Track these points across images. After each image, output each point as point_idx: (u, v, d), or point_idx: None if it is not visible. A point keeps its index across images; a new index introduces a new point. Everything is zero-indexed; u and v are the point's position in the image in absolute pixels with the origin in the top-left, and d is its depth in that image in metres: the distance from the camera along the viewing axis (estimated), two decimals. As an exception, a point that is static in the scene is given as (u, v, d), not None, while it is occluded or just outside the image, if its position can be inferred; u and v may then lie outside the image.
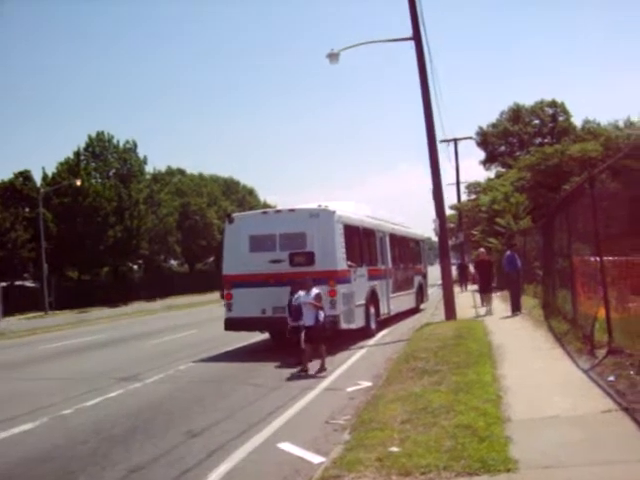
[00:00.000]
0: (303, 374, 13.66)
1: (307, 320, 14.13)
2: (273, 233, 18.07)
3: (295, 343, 14.93)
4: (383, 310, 21.56)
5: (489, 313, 21.56)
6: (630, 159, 10.19)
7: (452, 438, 6.98)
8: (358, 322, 18.54)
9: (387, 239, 23.34)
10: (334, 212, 17.88)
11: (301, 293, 14.98)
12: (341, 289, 17.41)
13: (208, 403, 11.55)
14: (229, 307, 18.21)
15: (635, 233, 10.09)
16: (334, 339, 16.95)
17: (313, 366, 14.04)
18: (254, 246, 18.24)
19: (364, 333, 18.99)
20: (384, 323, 21.61)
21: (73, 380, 15.31)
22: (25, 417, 11.11)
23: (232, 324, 18.03)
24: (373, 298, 20.29)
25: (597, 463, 5.99)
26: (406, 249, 27.41)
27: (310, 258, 17.40)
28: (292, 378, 13.41)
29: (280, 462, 7.73)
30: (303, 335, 14.22)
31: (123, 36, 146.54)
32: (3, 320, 43.80)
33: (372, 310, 19.99)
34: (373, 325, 19.96)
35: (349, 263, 18.17)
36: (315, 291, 14.33)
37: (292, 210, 18.56)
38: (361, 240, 20.26)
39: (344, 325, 17.55)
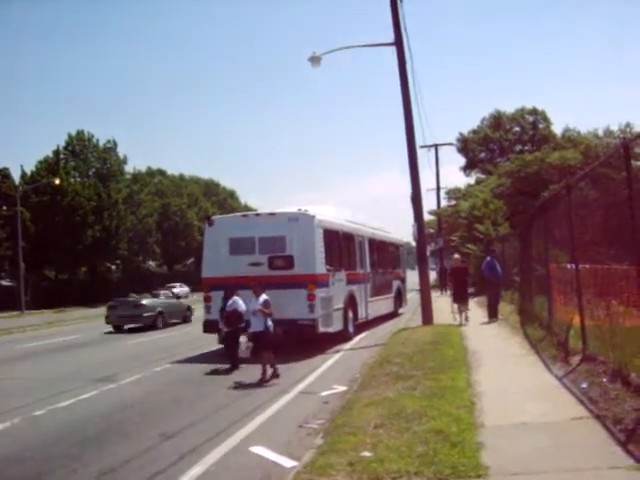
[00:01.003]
0: (264, 384, 13.16)
1: (256, 326, 13.74)
2: (253, 236, 18.12)
3: (230, 349, 15.15)
4: (361, 314, 21.63)
5: (465, 322, 20.50)
6: (608, 167, 10.26)
7: (424, 443, 6.98)
8: (336, 326, 18.59)
9: (366, 243, 23.48)
10: (314, 216, 17.99)
11: (236, 298, 15.24)
12: (319, 293, 17.49)
13: (183, 405, 11.51)
14: (208, 309, 18.25)
15: (612, 241, 10.17)
16: (311, 343, 17.29)
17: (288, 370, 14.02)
18: (234, 249, 18.31)
19: (342, 337, 19.01)
20: (362, 327, 21.65)
21: (47, 380, 15.18)
22: (-3, 417, 10.99)
23: (211, 326, 17.72)
24: (351, 302, 20.39)
25: (567, 470, 6.03)
26: (385, 254, 27.64)
27: (289, 262, 17.53)
28: (250, 386, 13.09)
29: (252, 466, 7.71)
30: (242, 342, 14.41)
31: (103, 32, 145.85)
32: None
33: (350, 314, 20.08)
34: (351, 329, 20.04)
35: (328, 267, 18.29)
36: (264, 297, 13.85)
37: (272, 214, 18.63)
38: (340, 244, 20.38)
39: (322, 329, 17.59)
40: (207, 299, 18.38)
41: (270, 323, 13.71)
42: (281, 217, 18.22)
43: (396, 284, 28.64)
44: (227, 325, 15.29)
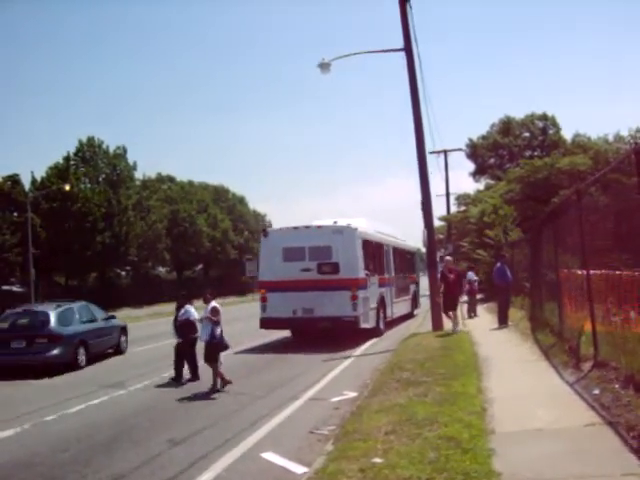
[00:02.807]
0: (213, 392, 12.99)
1: (203, 335, 13.48)
2: (303, 246, 20.86)
3: (178, 360, 14.90)
4: (388, 313, 24.39)
5: (454, 331, 19.22)
6: (619, 173, 10.22)
7: (436, 450, 6.95)
8: (372, 323, 21.40)
9: (391, 251, 26.41)
10: (356, 229, 21.01)
11: (188, 307, 15.03)
12: (360, 294, 20.24)
13: (192, 411, 11.51)
14: (264, 308, 21.06)
15: (623, 247, 10.12)
16: (348, 337, 20.21)
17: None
18: (287, 257, 20.95)
19: (375, 332, 21.57)
20: (388, 325, 23.88)
21: (57, 386, 15.21)
22: (7, 423, 11.03)
23: (266, 323, 21.07)
24: (382, 303, 23.28)
25: (580, 476, 5.99)
26: (404, 260, 30.26)
27: (335, 267, 20.36)
28: (200, 396, 12.93)
29: (263, 472, 7.70)
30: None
31: (113, 41, 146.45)
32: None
33: (381, 313, 22.89)
34: (382, 326, 22.72)
35: (366, 272, 21.10)
36: (212, 304, 13.55)
37: (319, 227, 21.54)
38: (374, 252, 23.27)
39: (363, 325, 20.43)
40: (263, 300, 21.09)
41: (218, 332, 13.37)
42: (327, 229, 21.06)
43: (412, 288, 31.40)
44: (179, 335, 15.07)
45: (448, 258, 22.63)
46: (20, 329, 17.94)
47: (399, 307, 26.96)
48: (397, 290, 26.66)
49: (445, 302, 20.06)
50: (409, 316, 29.03)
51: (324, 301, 19.84)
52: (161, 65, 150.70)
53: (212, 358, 13.28)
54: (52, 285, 60.73)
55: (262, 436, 9.33)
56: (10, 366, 16.99)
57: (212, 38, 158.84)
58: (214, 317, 13.34)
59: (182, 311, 15.15)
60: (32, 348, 17.08)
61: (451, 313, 19.87)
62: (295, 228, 21.79)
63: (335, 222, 21.58)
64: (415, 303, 31.57)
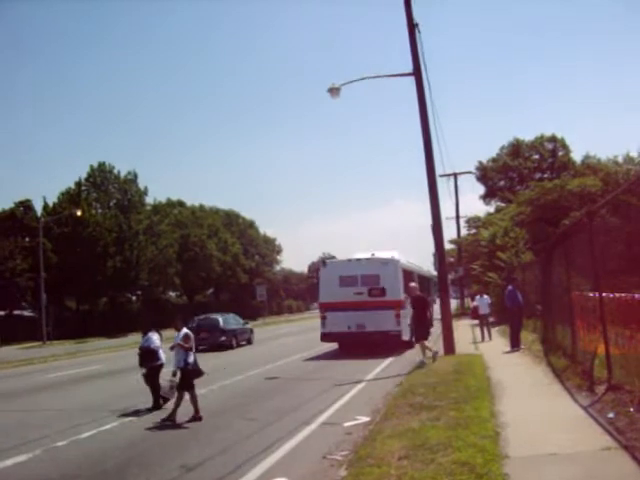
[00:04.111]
0: (169, 423, 12.64)
1: (177, 363, 13.23)
2: (356, 274, 25.71)
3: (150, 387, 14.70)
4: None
5: (421, 365, 18.09)
6: (629, 194, 10.20)
7: (450, 475, 6.91)
8: (407, 336, 25.35)
9: (416, 277, 30.59)
10: (399, 261, 26.31)
11: (150, 335, 14.95)
12: (402, 313, 24.77)
13: (203, 436, 11.43)
14: (324, 325, 26.07)
15: (635, 268, 10.07)
16: (394, 347, 24.68)
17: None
18: (343, 283, 25.75)
19: (409, 344, 25.12)
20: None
21: (68, 411, 15.18)
22: (18, 449, 11.00)
23: (326, 337, 26.18)
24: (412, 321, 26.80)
25: (596, 502, 5.92)
26: (423, 284, 33.64)
27: (383, 291, 25.22)
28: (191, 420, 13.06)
29: (275, 498, 7.64)
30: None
31: (122, 66, 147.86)
32: (1, 349, 43.54)
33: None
34: (413, 339, 24.86)
35: (404, 295, 24.67)
36: (184, 331, 13.39)
37: (369, 259, 26.19)
38: (406, 279, 26.61)
39: (403, 337, 25.03)
40: (323, 318, 26.14)
41: (191, 358, 13.17)
42: (376, 261, 25.90)
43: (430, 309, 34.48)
44: (141, 364, 14.95)
45: (413, 285, 21.88)
46: (204, 326, 32.01)
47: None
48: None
49: (418, 331, 20.23)
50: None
51: (373, 318, 24.66)
52: (171, 94, 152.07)
53: (187, 385, 13.10)
54: (63, 309, 60.87)
55: (275, 461, 9.26)
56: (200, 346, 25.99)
57: (221, 65, 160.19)
58: (186, 344, 13.16)
59: (145, 338, 15.00)
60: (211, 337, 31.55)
61: (422, 342, 19.33)
62: (349, 260, 27.01)
63: (373, 254, 26.56)
64: (431, 322, 33.46)
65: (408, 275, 28.08)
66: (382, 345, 24.72)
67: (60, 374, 24.56)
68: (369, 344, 25.02)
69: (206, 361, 17.63)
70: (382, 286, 25.22)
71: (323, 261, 28.85)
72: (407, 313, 24.79)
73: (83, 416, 13.99)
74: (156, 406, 14.37)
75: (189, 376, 13.10)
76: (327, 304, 26.06)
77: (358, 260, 26.52)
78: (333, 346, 27.35)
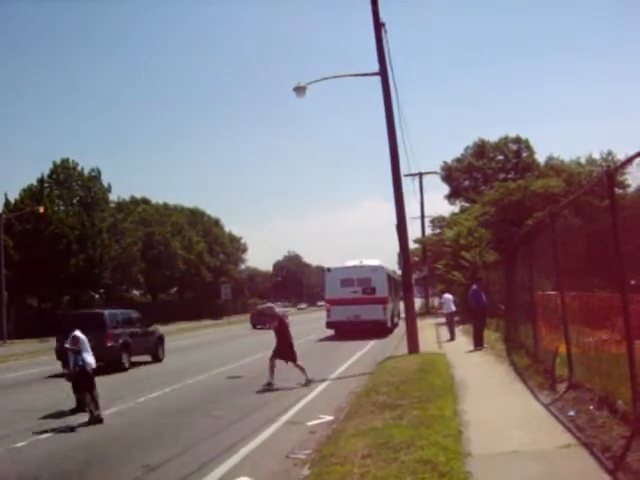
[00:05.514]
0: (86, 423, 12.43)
1: (71, 365, 13.09)
2: (353, 277, 34.37)
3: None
4: (394, 321, 38.12)
5: (308, 381, 16.47)
6: (591, 195, 10.34)
7: (412, 474, 6.92)
8: (390, 324, 35.29)
9: (392, 279, 38.31)
10: (385, 267, 35.99)
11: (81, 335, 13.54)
12: (387, 306, 34.35)
13: (166, 436, 11.33)
14: (329, 315, 34.53)
15: (596, 269, 10.21)
16: (380, 332, 32.61)
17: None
18: (343, 284, 34.25)
19: (390, 330, 34.91)
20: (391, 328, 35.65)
21: (29, 412, 14.88)
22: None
23: (330, 324, 34.68)
24: (392, 312, 37.15)
25: (556, 499, 5.98)
26: (396, 285, 39.97)
27: (373, 290, 34.02)
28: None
29: (238, 497, 7.59)
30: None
31: (87, 63, 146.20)
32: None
33: (393, 319, 37.64)
34: (392, 326, 36.16)
35: (388, 293, 35.01)
36: (73, 333, 13.11)
37: (362, 266, 34.82)
38: (389, 280, 35.98)
39: (388, 324, 34.54)
40: (328, 310, 34.70)
41: (89, 360, 12.96)
42: (368, 268, 34.77)
43: (399, 305, 42.42)
44: (67, 365, 14.41)
45: (269, 305, 18.73)
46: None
47: (396, 316, 40.31)
48: (395, 305, 40.49)
49: (286, 353, 16.86)
50: (395, 325, 38.90)
51: (366, 310, 33.12)
52: (137, 90, 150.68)
53: (80, 389, 12.92)
54: (24, 308, 59.93)
55: (238, 461, 9.21)
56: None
57: (190, 62, 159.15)
58: (74, 346, 12.97)
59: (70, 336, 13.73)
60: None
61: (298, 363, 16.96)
62: (347, 267, 35.40)
63: (361, 262, 35.23)
64: (398, 315, 42.39)
65: (390, 278, 37.07)
66: (371, 330, 32.08)
67: (21, 373, 24.26)
68: (362, 330, 32.15)
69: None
70: (373, 286, 34.00)
71: (328, 268, 36.23)
72: (391, 307, 35.92)
73: (44, 416, 13.75)
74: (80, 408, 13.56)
75: (86, 377, 12.91)
76: (331, 300, 34.66)
77: (354, 267, 35.13)
78: (304, 343, 28.70)
